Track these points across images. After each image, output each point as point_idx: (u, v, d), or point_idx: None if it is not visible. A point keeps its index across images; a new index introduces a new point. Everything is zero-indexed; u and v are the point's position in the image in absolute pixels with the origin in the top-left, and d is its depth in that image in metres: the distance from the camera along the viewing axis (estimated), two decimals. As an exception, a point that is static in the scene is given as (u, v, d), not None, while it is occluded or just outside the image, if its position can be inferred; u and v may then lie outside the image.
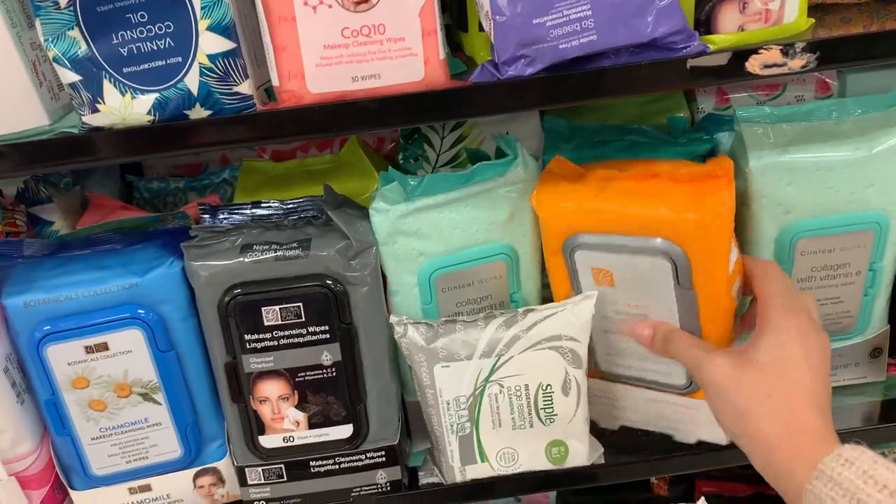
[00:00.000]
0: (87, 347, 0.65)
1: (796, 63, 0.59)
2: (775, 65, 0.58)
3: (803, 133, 0.65)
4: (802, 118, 0.66)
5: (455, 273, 0.70)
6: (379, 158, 0.85)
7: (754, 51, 0.58)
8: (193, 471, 0.73)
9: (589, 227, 0.65)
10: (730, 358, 0.57)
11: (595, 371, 0.73)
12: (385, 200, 0.66)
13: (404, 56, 0.57)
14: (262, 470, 0.72)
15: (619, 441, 0.76)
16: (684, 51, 0.58)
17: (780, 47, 0.58)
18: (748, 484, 0.96)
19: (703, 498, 0.87)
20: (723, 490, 0.96)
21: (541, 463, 0.71)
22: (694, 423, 0.72)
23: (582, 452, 0.71)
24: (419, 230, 0.68)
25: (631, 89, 0.58)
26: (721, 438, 0.72)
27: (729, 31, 0.60)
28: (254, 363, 0.67)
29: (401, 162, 0.83)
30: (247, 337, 0.66)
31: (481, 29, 0.63)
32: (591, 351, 0.70)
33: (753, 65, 0.58)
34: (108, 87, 0.57)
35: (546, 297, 0.76)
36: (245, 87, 0.58)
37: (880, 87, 0.78)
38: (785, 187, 0.66)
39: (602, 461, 0.73)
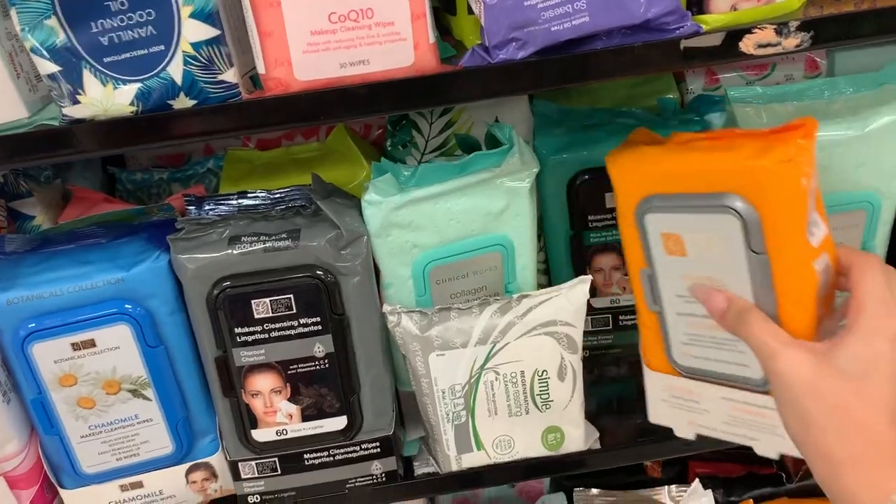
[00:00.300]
0: (73, 344, 0.64)
1: (790, 42, 0.58)
2: (769, 44, 0.58)
3: (795, 113, 0.65)
4: (794, 98, 0.66)
5: (449, 265, 0.69)
6: (367, 145, 0.84)
7: (748, 30, 0.57)
8: (186, 466, 0.72)
9: (660, 186, 0.59)
10: (809, 356, 0.51)
11: (670, 366, 0.65)
12: (378, 192, 0.65)
13: (393, 41, 0.55)
14: (256, 464, 0.71)
15: (613, 426, 0.76)
16: (677, 31, 0.57)
17: (775, 27, 0.57)
18: (741, 464, 0.96)
19: (696, 479, 0.88)
20: (716, 471, 0.96)
21: (537, 449, 0.71)
22: (775, 431, 0.62)
23: (578, 438, 0.71)
24: (413, 222, 0.67)
25: (624, 71, 0.57)
26: None
27: (721, 10, 0.59)
28: (245, 356, 0.66)
29: (389, 149, 0.81)
30: (237, 330, 0.65)
31: (470, 12, 0.62)
32: (665, 340, 0.64)
33: (748, 45, 0.57)
34: (88, 77, 0.55)
35: (542, 286, 0.75)
36: (230, 76, 0.57)
37: (868, 65, 0.78)
38: (778, 168, 0.65)
39: (598, 446, 0.73)
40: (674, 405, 0.66)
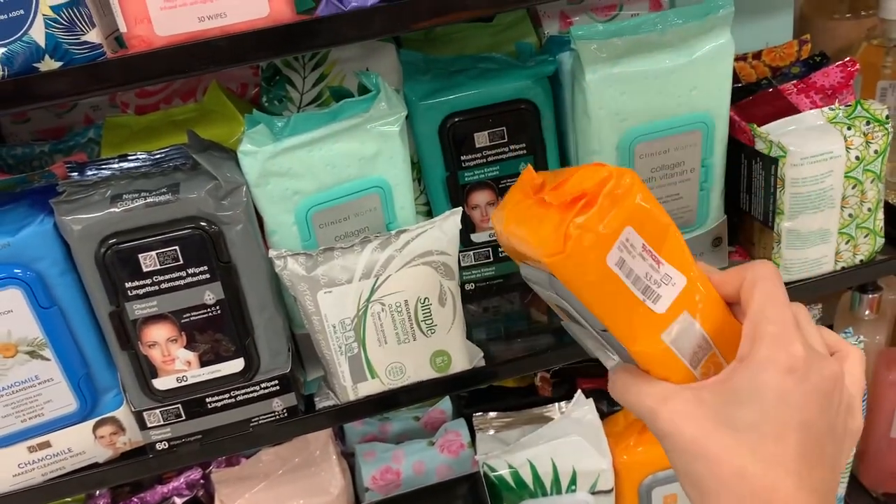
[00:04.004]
0: (-36, 311, 0.66)
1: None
2: (595, -19, 0.64)
3: (632, 46, 0.72)
4: (631, 32, 0.72)
5: (331, 209, 0.74)
6: (244, 103, 0.87)
7: (575, -31, 0.63)
8: (92, 422, 0.75)
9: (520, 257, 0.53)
10: (692, 407, 0.44)
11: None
12: (252, 142, 0.69)
13: (248, -6, 0.59)
14: (160, 412, 0.74)
15: (500, 350, 0.82)
16: (513, -27, 0.63)
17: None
18: (622, 376, 1.05)
19: (579, 390, 0.96)
20: (601, 385, 1.04)
21: (427, 373, 0.77)
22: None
23: (463, 358, 0.77)
24: (290, 169, 0.71)
25: (470, 10, 0.62)
26: None
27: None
28: (138, 310, 0.69)
29: (266, 104, 0.85)
30: (127, 285, 0.68)
31: (324, -35, 0.66)
32: None
33: (575, -18, 0.64)
34: (-51, 44, 0.56)
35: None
36: (93, 36, 0.59)
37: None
38: (619, 97, 0.72)
39: (482, 364, 0.79)
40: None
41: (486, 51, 0.89)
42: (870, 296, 1.10)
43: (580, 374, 1.07)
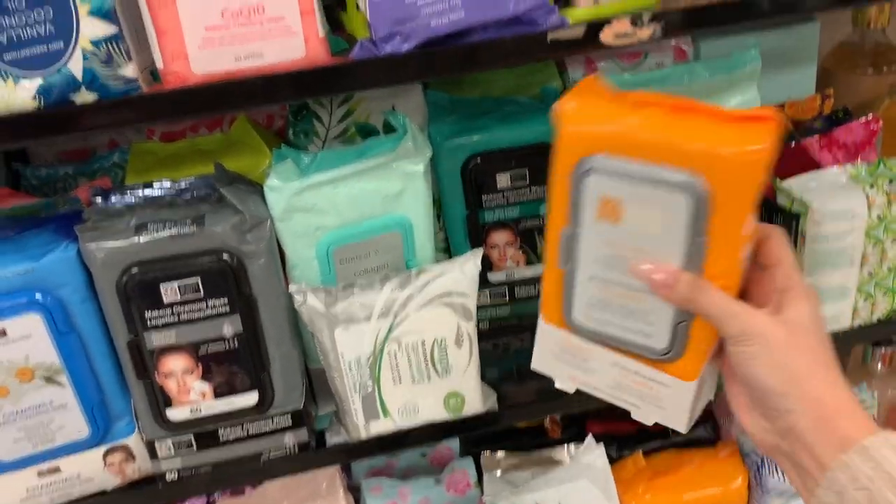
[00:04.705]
0: (-16, 335, 0.66)
1: (644, 32, 0.65)
2: (626, 34, 0.65)
3: (656, 97, 0.72)
4: (657, 84, 0.73)
5: (352, 245, 0.74)
6: (270, 135, 0.87)
7: (606, 22, 0.64)
8: (103, 449, 0.74)
9: (611, 147, 0.56)
10: (777, 316, 0.53)
11: (566, 324, 0.64)
12: (279, 177, 0.69)
13: (285, 35, 0.60)
14: (172, 442, 0.74)
15: (513, 391, 0.82)
16: (545, 25, 0.63)
17: (630, 18, 0.64)
18: (633, 422, 1.04)
19: (590, 434, 0.95)
20: (610, 429, 1.04)
21: (440, 414, 0.77)
22: (657, 402, 0.63)
23: (477, 400, 0.77)
24: (315, 205, 0.71)
25: (497, 62, 0.63)
26: (681, 426, 0.63)
27: (586, 5, 0.66)
28: (156, 340, 0.69)
29: (291, 138, 0.85)
30: (147, 314, 0.68)
31: (359, 8, 0.67)
32: (567, 299, 0.63)
33: (607, 35, 0.64)
34: (-11, 74, 0.57)
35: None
36: (129, 71, 0.60)
37: (728, 51, 0.86)
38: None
39: (496, 407, 0.79)
40: (560, 358, 0.66)
41: (511, 93, 0.90)
42: (883, 349, 1.09)
43: (590, 416, 1.06)
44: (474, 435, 1.09)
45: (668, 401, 0.62)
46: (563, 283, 0.62)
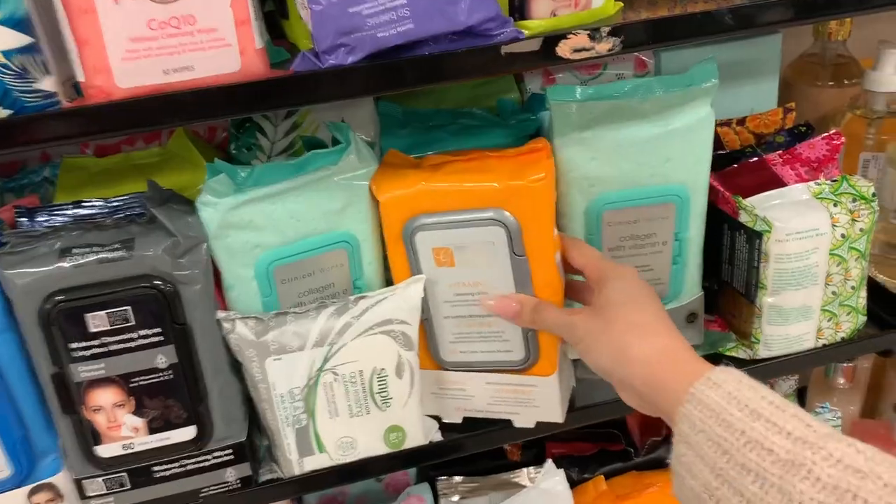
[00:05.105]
0: None
1: (603, 47, 0.62)
2: (584, 49, 0.62)
3: (608, 111, 0.69)
4: (609, 97, 0.69)
5: (294, 264, 0.70)
6: (210, 149, 0.83)
7: (563, 36, 0.61)
8: (27, 488, 0.69)
9: (427, 207, 0.67)
10: (592, 309, 0.62)
11: (436, 363, 0.75)
12: (213, 193, 0.65)
13: (217, 47, 0.55)
14: (103, 480, 0.69)
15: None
16: (499, 37, 0.60)
17: (588, 32, 0.61)
18: (593, 442, 1.02)
19: (549, 460, 0.92)
20: (570, 450, 1.01)
21: (379, 448, 0.73)
22: (532, 404, 0.74)
23: (418, 433, 0.73)
24: (252, 222, 0.66)
25: (449, 76, 0.59)
26: (556, 417, 0.75)
27: (542, 16, 0.62)
28: (83, 372, 0.64)
29: (234, 152, 0.81)
30: (73, 345, 0.63)
31: (302, 17, 0.62)
32: (431, 342, 0.73)
33: (564, 49, 0.61)
34: None
35: (390, 281, 0.76)
36: (47, 84, 0.55)
37: (693, 64, 0.84)
38: (589, 162, 0.70)
39: (438, 437, 0.75)
40: (442, 396, 0.76)
41: (466, 104, 0.87)
42: (845, 364, 1.08)
43: (549, 438, 1.03)
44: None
45: (540, 399, 0.74)
46: (424, 332, 0.73)
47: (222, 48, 0.55)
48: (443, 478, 0.97)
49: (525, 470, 0.97)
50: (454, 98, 0.88)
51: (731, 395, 0.50)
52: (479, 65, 0.60)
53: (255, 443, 0.75)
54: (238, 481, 0.72)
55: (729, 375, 0.52)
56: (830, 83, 1.02)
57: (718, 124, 0.88)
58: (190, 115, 0.55)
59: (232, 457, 0.71)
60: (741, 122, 0.90)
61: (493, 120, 0.82)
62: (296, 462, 0.72)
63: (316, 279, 0.71)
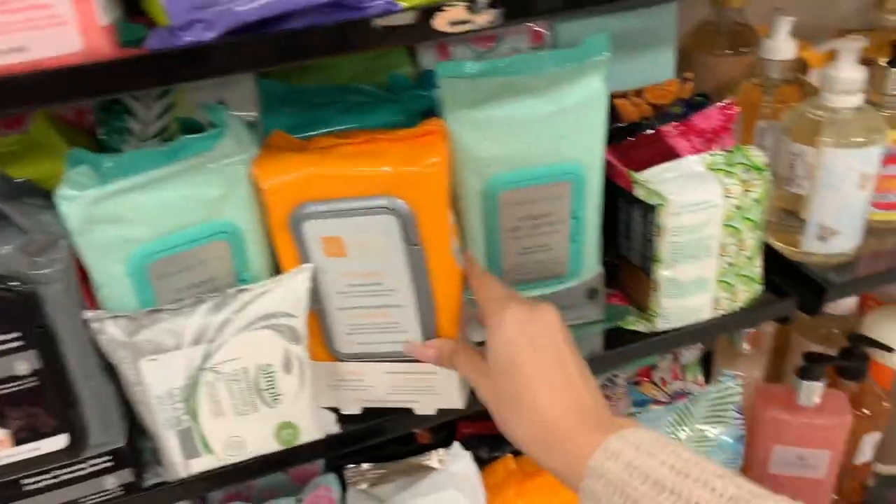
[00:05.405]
0: None
1: (482, 19, 0.59)
2: (462, 21, 0.58)
3: (499, 88, 0.66)
4: (500, 73, 0.67)
5: (170, 258, 0.65)
6: (78, 135, 0.76)
7: (439, 8, 0.57)
8: None
9: (314, 194, 0.64)
10: (486, 376, 0.60)
11: (332, 355, 0.72)
12: (73, 186, 0.59)
13: (53, 25, 0.50)
14: (-34, 498, 0.64)
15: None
16: (370, 10, 0.56)
17: (465, 4, 0.58)
18: (503, 421, 1.00)
19: (456, 442, 0.90)
20: (482, 430, 1.00)
21: (272, 446, 0.70)
22: (431, 391, 0.73)
23: (313, 428, 0.71)
24: (120, 215, 0.61)
25: (317, 52, 0.55)
26: (457, 403, 0.74)
27: (421, -13, 0.59)
28: (-67, 383, 0.59)
29: (104, 137, 0.75)
30: (-83, 356, 0.58)
31: (157, -10, 0.57)
32: (326, 334, 0.70)
33: (440, 22, 0.58)
34: None
35: (281, 272, 0.73)
36: None
37: (589, 35, 0.82)
38: (482, 142, 0.67)
39: (337, 430, 0.73)
40: (339, 388, 0.74)
41: (357, 79, 0.83)
42: (748, 330, 1.10)
43: (462, 418, 1.01)
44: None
45: (440, 385, 0.72)
46: (318, 322, 0.70)
47: (58, 26, 0.50)
48: (351, 466, 0.94)
49: (435, 452, 0.96)
50: (345, 73, 0.84)
51: (631, 465, 0.48)
52: (350, 39, 0.56)
53: (137, 447, 0.70)
54: (120, 488, 0.68)
55: (625, 443, 0.50)
56: (728, 51, 1.01)
57: (616, 96, 0.87)
58: (24, 101, 0.50)
59: (111, 463, 0.67)
60: (638, 93, 0.89)
61: (384, 96, 0.78)
62: (181, 464, 0.68)
63: (196, 273, 0.67)
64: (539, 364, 0.56)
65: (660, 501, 0.46)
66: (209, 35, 0.54)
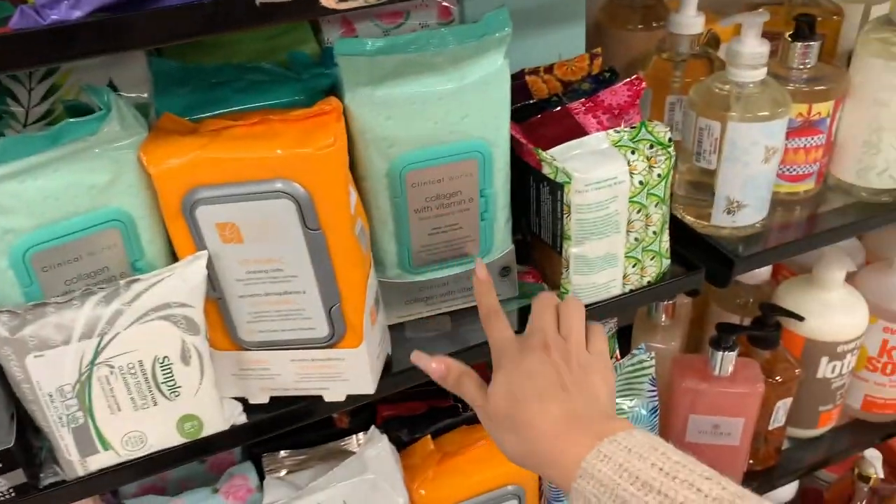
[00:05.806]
0: None
1: (371, -6, 0.57)
2: (349, -3, 0.57)
3: (401, 66, 0.65)
4: (400, 51, 0.65)
5: (55, 249, 0.62)
6: (-44, 119, 0.72)
7: (326, -17, 0.55)
8: None
9: (206, 179, 0.61)
10: (492, 400, 0.63)
11: (235, 344, 0.70)
12: (-59, 175, 0.56)
13: None
14: None
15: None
16: (253, -14, 0.54)
17: (352, -21, 0.56)
18: (422, 401, 1.00)
19: (373, 426, 0.90)
20: (401, 411, 0.99)
21: (174, 439, 0.68)
22: (341, 377, 0.72)
23: (217, 420, 0.69)
24: (-1, 205, 0.58)
25: (194, 31, 0.53)
26: (367, 389, 0.73)
27: (307, -39, 0.57)
28: None
29: (-17, 121, 0.71)
30: None
31: (25, -36, 0.54)
32: (228, 323, 0.68)
33: (328, -2, 0.56)
34: None
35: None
36: None
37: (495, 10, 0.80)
38: (385, 122, 0.66)
39: (243, 419, 0.71)
40: (244, 377, 0.72)
41: (259, 57, 0.80)
42: (665, 302, 1.12)
43: (380, 400, 1.01)
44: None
45: (350, 371, 0.71)
46: (218, 311, 0.68)
47: None
48: (268, 454, 0.93)
49: (355, 437, 0.95)
50: (246, 51, 0.81)
51: (622, 467, 0.51)
52: (231, 17, 0.53)
53: (32, 446, 0.68)
54: (11, 491, 0.65)
55: (618, 446, 0.52)
56: (640, 26, 1.02)
57: (526, 73, 0.86)
58: None
59: (0, 465, 0.64)
60: (549, 69, 0.88)
61: (284, 75, 0.75)
62: (77, 462, 0.66)
63: (85, 264, 0.64)
64: (536, 389, 0.61)
65: (647, 502, 0.48)
66: (76, 14, 0.51)
